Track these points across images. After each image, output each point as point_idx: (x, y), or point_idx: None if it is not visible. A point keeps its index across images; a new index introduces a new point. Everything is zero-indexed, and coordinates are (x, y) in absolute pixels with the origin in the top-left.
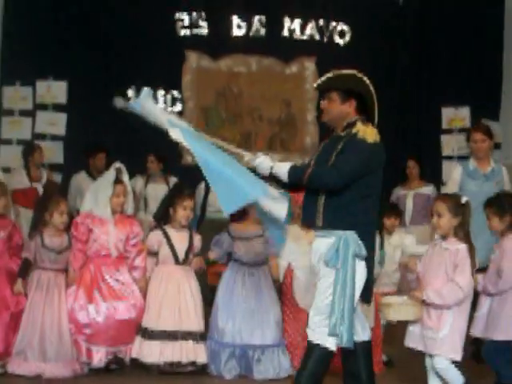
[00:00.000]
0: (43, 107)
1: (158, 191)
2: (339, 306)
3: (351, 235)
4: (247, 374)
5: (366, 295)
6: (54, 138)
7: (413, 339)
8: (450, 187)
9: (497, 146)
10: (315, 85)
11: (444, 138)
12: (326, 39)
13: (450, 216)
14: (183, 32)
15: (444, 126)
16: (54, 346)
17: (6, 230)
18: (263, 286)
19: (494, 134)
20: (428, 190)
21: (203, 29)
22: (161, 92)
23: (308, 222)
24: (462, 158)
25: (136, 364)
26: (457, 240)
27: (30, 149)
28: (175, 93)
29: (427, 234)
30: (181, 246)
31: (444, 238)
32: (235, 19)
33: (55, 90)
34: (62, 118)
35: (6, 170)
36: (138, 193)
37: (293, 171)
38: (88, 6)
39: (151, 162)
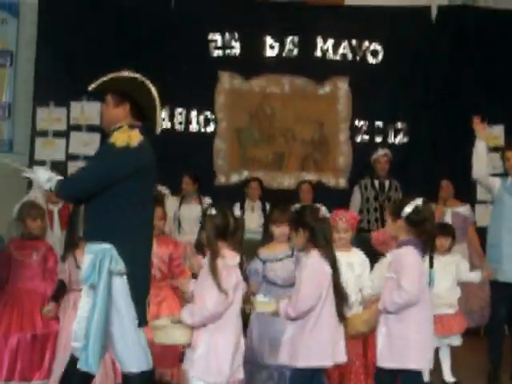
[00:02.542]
0: (77, 128)
1: (191, 212)
2: (87, 327)
3: (108, 250)
4: None
5: (139, 317)
6: (88, 158)
7: None
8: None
9: None
10: (89, 88)
11: None
12: (358, 59)
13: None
14: (216, 52)
15: None
16: None
17: (41, 252)
18: None
19: None
20: (464, 210)
21: (236, 49)
22: (194, 113)
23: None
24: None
25: None
26: None
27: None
28: (208, 113)
29: (465, 254)
30: None
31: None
32: (268, 39)
33: (89, 111)
34: (96, 138)
35: None
36: (172, 214)
37: (57, 184)
38: (121, 27)
39: (186, 184)
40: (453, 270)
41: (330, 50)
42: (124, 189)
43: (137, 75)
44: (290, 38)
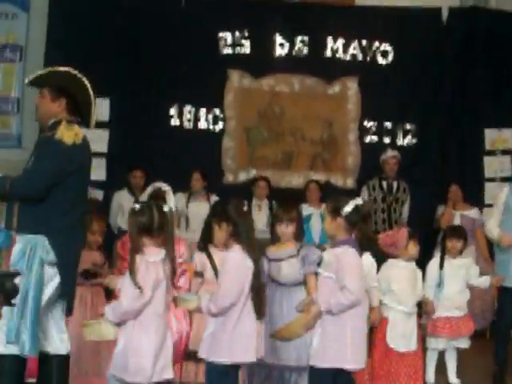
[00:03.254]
0: None
1: (199, 209)
2: (18, 312)
3: (40, 240)
4: None
5: (66, 306)
6: (97, 155)
7: None
8: (495, 207)
9: None
10: (27, 80)
11: (486, 160)
12: (368, 59)
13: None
14: (226, 51)
15: (487, 147)
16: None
17: None
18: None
19: None
20: (473, 213)
21: (246, 48)
22: (203, 110)
23: (6, 226)
24: (505, 180)
25: None
26: None
27: None
28: (217, 111)
29: (473, 256)
30: None
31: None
32: (278, 38)
33: (98, 108)
34: (105, 135)
35: None
36: (180, 211)
37: (3, 183)
38: (131, 25)
39: (196, 180)
40: (463, 273)
41: (340, 50)
42: (64, 184)
43: (73, 71)
44: (299, 38)
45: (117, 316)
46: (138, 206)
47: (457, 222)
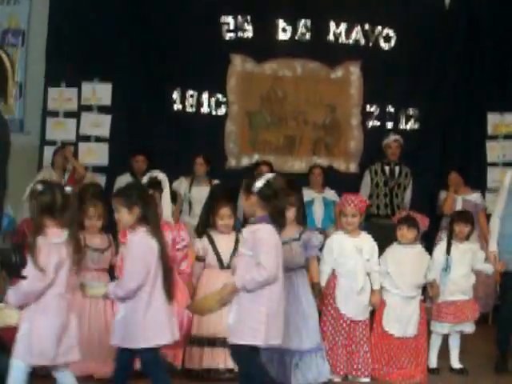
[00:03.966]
0: (88, 109)
1: (202, 194)
2: None
3: None
4: (285, 379)
5: None
6: (99, 139)
7: None
8: (501, 193)
9: None
10: None
11: (489, 144)
12: (371, 44)
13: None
14: (228, 35)
15: (489, 132)
16: (98, 345)
17: None
18: (300, 291)
19: None
20: (475, 197)
21: (248, 32)
22: (205, 95)
23: None
24: (508, 165)
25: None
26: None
27: (55, 151)
28: (220, 96)
29: (476, 240)
30: (226, 251)
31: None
32: (280, 23)
33: (100, 92)
34: (107, 119)
35: None
36: (183, 195)
37: None
38: (133, 9)
39: (200, 164)
40: (470, 257)
41: (343, 35)
42: None
43: None
44: (302, 22)
45: (18, 298)
46: (40, 187)
47: (459, 206)
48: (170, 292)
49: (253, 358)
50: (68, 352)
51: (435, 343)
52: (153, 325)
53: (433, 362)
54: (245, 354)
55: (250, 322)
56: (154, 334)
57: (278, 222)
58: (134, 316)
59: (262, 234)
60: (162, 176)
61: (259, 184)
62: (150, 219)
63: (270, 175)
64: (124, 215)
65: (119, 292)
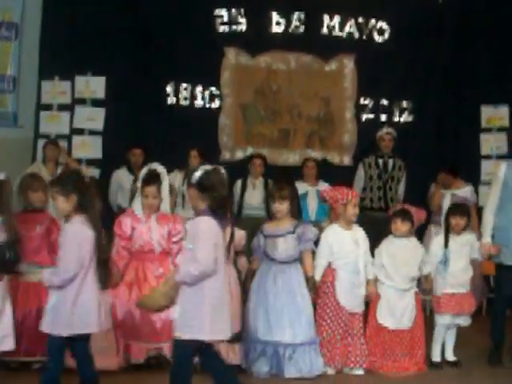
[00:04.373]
0: (82, 102)
1: None
2: None
3: None
4: (278, 372)
5: None
6: (93, 132)
7: None
8: (494, 185)
9: None
10: None
11: (483, 137)
12: (365, 37)
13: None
14: (222, 28)
15: (483, 124)
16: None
17: (44, 224)
18: (295, 284)
19: None
20: (466, 191)
21: (242, 25)
22: (199, 88)
23: None
24: (501, 158)
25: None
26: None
27: (45, 144)
28: (213, 89)
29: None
30: None
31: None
32: (274, 16)
33: (94, 85)
34: (101, 112)
35: None
36: (177, 188)
37: None
38: (127, 2)
39: (194, 157)
40: (467, 249)
41: (337, 28)
42: None
43: None
44: (296, 15)
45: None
46: None
47: (447, 201)
48: (104, 281)
49: (191, 354)
50: (2, 341)
51: (438, 336)
52: (81, 314)
53: (436, 356)
54: (186, 349)
55: (194, 317)
56: (80, 323)
57: (218, 213)
58: (63, 303)
59: (199, 226)
60: (160, 169)
61: (197, 175)
62: (87, 208)
63: (207, 167)
64: (61, 203)
65: (55, 281)
